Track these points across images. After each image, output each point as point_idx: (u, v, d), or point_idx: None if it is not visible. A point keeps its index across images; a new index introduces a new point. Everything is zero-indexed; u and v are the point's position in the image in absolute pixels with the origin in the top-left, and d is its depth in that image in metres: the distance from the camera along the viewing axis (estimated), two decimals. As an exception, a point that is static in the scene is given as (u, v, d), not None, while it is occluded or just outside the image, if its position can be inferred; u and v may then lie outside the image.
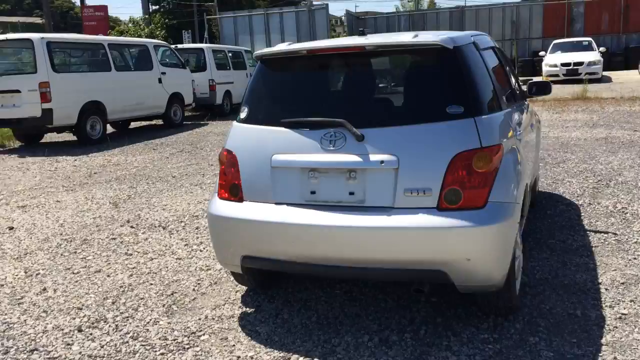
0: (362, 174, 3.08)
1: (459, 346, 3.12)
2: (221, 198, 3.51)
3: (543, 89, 4.92)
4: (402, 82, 3.29)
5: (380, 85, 3.36)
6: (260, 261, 3.38)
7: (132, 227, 5.85)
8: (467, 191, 2.93)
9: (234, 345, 3.31)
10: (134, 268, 4.64)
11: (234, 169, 3.45)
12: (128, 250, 5.11)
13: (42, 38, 11.19)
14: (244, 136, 3.49)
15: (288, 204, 3.24)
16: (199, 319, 3.65)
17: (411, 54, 3.25)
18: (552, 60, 21.41)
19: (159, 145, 11.77)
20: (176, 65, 14.99)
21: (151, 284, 4.28)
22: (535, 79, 21.64)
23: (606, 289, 3.78)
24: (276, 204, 3.27)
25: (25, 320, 3.75)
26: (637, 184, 6.53)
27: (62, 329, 3.60)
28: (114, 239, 5.47)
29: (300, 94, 3.50)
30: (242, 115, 3.56)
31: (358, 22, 28.43)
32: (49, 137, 13.41)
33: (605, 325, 3.30)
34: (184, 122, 15.40)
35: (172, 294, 4.07)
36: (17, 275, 4.60)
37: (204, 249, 5.05)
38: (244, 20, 23.35)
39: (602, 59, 21.07)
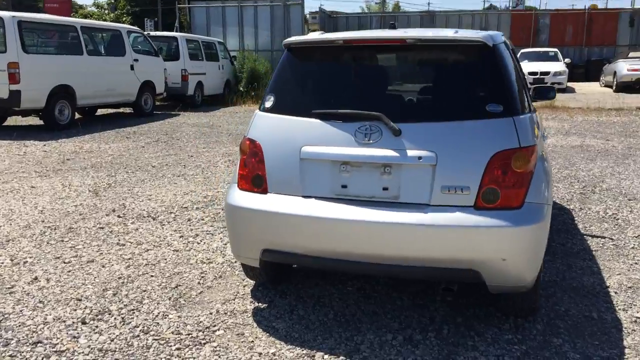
0: (398, 170, 3.00)
1: (485, 346, 3.09)
2: (242, 189, 3.38)
3: (547, 93, 4.95)
4: (440, 78, 3.22)
5: (418, 79, 3.28)
6: (282, 255, 3.27)
7: (119, 216, 5.63)
8: (505, 191, 2.90)
9: (252, 341, 3.19)
10: (129, 259, 4.45)
11: (257, 159, 3.32)
12: (119, 240, 4.90)
13: (14, 17, 10.71)
14: (269, 126, 3.36)
15: (317, 198, 3.13)
16: (211, 314, 3.51)
17: (452, 49, 3.19)
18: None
19: (132, 134, 11.43)
20: (149, 53, 14.61)
21: (152, 276, 4.11)
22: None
23: (615, 292, 3.82)
24: (304, 197, 3.16)
25: (21, 311, 3.54)
26: (621, 191, 6.67)
27: (64, 321, 3.41)
28: (102, 228, 5.24)
29: (333, 85, 3.40)
30: (267, 104, 3.43)
31: (329, 20, 28.40)
32: (14, 120, 12.86)
33: (623, 329, 3.32)
34: (155, 112, 15.03)
35: (176, 287, 3.92)
36: (2, 263, 4.34)
37: (200, 241, 4.89)
38: (216, 11, 22.95)
39: (567, 70, 21.65)
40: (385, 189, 3.02)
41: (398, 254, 2.97)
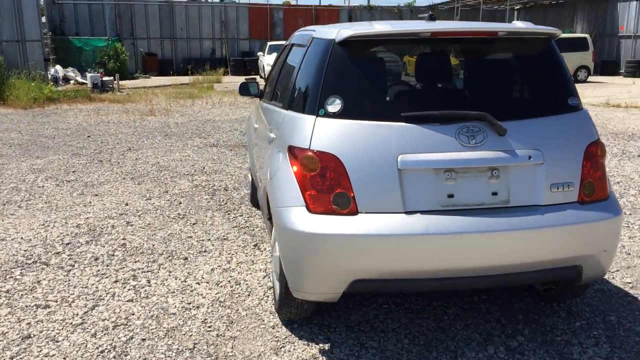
0: (505, 172, 2.82)
1: (570, 335, 3.12)
2: (317, 212, 2.78)
3: None
4: (525, 72, 3.07)
5: (502, 74, 3.06)
6: (377, 284, 2.82)
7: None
8: (598, 183, 2.96)
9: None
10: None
11: (335, 175, 2.77)
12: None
13: None
14: (346, 134, 2.82)
15: (423, 212, 2.75)
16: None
17: (533, 42, 3.07)
18: (272, 61, 22.57)
19: None
20: None
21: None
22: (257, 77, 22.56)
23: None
24: (407, 213, 2.75)
25: None
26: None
27: None
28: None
29: (416, 83, 3.00)
30: (332, 108, 2.87)
31: (54, 7, 25.23)
32: None
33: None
34: None
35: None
36: None
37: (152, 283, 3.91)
38: None
39: (315, 61, 23.16)
40: (494, 193, 2.81)
41: (513, 262, 2.81)
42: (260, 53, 24.69)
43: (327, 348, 3.06)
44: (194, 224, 5.22)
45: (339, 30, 2.98)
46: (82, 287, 3.85)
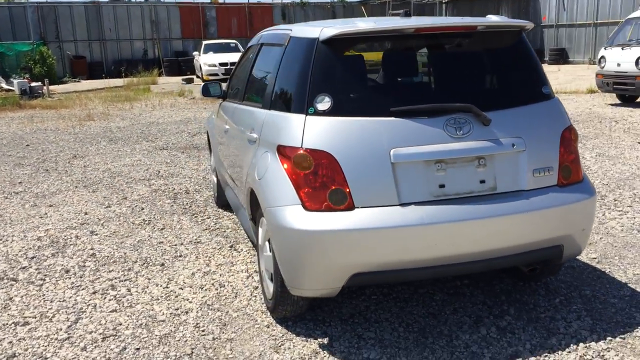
0: (491, 160, 2.94)
1: (553, 312, 3.30)
2: (313, 210, 2.82)
3: None
4: (501, 63, 3.16)
5: (480, 67, 3.15)
6: (375, 276, 2.88)
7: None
8: (573, 166, 3.13)
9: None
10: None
11: (330, 172, 2.81)
12: (7, 318, 3.48)
13: None
14: (338, 131, 2.86)
15: (417, 203, 2.84)
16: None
17: (508, 35, 3.18)
18: (210, 60, 22.34)
19: None
20: None
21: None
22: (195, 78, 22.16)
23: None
24: (402, 205, 2.82)
25: None
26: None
27: None
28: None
29: (402, 79, 3.06)
30: (321, 106, 2.89)
31: None
32: None
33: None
34: None
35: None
36: None
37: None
38: None
39: (252, 59, 22.99)
40: (482, 181, 2.93)
41: (503, 246, 2.94)
42: (195, 53, 24.28)
43: (326, 342, 3.10)
44: (162, 229, 5.12)
45: (322, 29, 3.01)
46: (60, 301, 3.71)
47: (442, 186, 2.88)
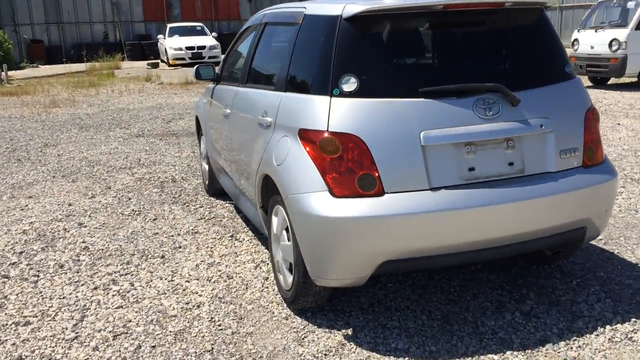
0: (519, 142, 2.87)
1: (574, 293, 3.29)
2: (341, 196, 2.70)
3: None
4: (526, 42, 3.05)
5: (504, 45, 3.04)
6: (405, 263, 2.79)
7: None
8: (596, 147, 3.09)
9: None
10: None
11: (358, 156, 2.70)
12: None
13: None
14: (365, 113, 2.74)
15: (447, 187, 2.75)
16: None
17: (528, 12, 3.08)
18: (176, 44, 21.79)
19: None
20: None
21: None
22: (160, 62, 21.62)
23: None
24: (432, 189, 2.73)
25: None
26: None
27: None
28: None
29: (429, 58, 2.95)
30: (347, 87, 2.77)
31: None
32: None
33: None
34: None
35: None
36: None
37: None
38: None
39: (219, 43, 22.55)
40: (510, 164, 2.86)
41: (532, 229, 2.89)
42: (160, 36, 23.63)
43: (350, 333, 3.00)
44: (154, 219, 4.93)
45: (345, 6, 2.88)
46: (60, 298, 3.51)
47: (471, 169, 2.80)
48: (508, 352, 2.78)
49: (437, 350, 2.82)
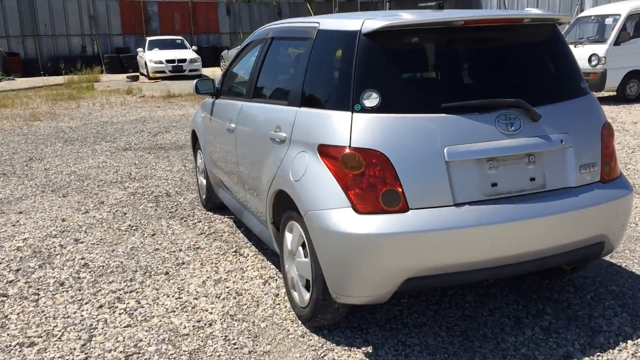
0: (540, 157, 2.87)
1: (590, 308, 3.28)
2: (365, 212, 2.66)
3: None
4: (542, 57, 3.08)
5: (521, 60, 3.04)
6: (429, 280, 2.76)
7: None
8: (612, 162, 3.11)
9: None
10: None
11: (382, 171, 2.67)
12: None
13: None
14: (388, 128, 2.71)
15: (470, 203, 2.73)
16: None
17: (543, 28, 3.10)
18: (156, 57, 21.60)
19: None
20: None
21: None
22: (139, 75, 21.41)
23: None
24: (456, 205, 2.71)
25: None
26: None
27: None
28: None
29: (448, 72, 2.94)
30: (369, 102, 2.73)
31: None
32: None
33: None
34: None
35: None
36: None
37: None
38: None
39: (199, 57, 22.44)
40: (532, 179, 2.86)
41: (554, 244, 2.89)
42: (140, 49, 23.42)
43: (370, 351, 2.95)
44: (152, 235, 4.82)
45: (364, 21, 2.86)
46: (64, 317, 3.39)
47: (494, 184, 2.79)
48: (533, 369, 2.75)
49: (461, 368, 2.78)
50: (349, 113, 2.77)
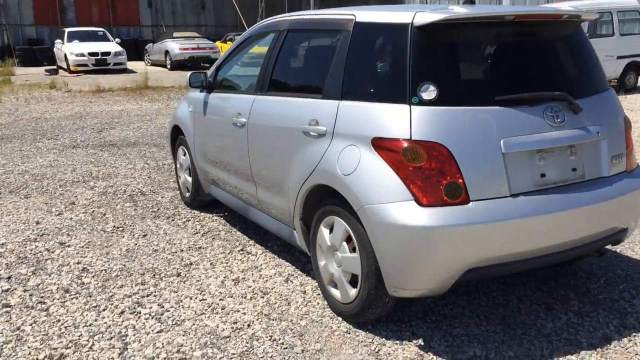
0: (580, 148, 3.00)
1: (610, 291, 3.48)
2: (428, 205, 2.68)
3: None
4: (573, 52, 3.18)
5: (557, 55, 3.13)
6: (488, 270, 2.82)
7: None
8: (632, 152, 3.31)
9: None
10: None
11: (444, 164, 2.69)
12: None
13: None
14: (448, 121, 2.73)
15: (524, 194, 2.82)
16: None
17: (572, 24, 3.19)
18: (77, 50, 20.50)
19: None
20: None
21: None
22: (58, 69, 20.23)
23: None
24: (512, 196, 2.79)
25: None
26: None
27: None
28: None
29: (500, 66, 2.99)
30: (426, 95, 2.74)
31: None
32: None
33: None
34: None
35: None
36: None
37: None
38: None
39: (124, 50, 21.54)
40: (574, 169, 2.99)
41: (593, 232, 3.03)
42: (58, 41, 22.08)
43: (422, 343, 2.97)
44: (144, 236, 4.59)
45: (416, 14, 2.86)
46: (86, 326, 3.17)
47: (543, 175, 2.89)
48: (583, 352, 2.88)
49: (515, 355, 2.86)
50: (407, 106, 2.77)
